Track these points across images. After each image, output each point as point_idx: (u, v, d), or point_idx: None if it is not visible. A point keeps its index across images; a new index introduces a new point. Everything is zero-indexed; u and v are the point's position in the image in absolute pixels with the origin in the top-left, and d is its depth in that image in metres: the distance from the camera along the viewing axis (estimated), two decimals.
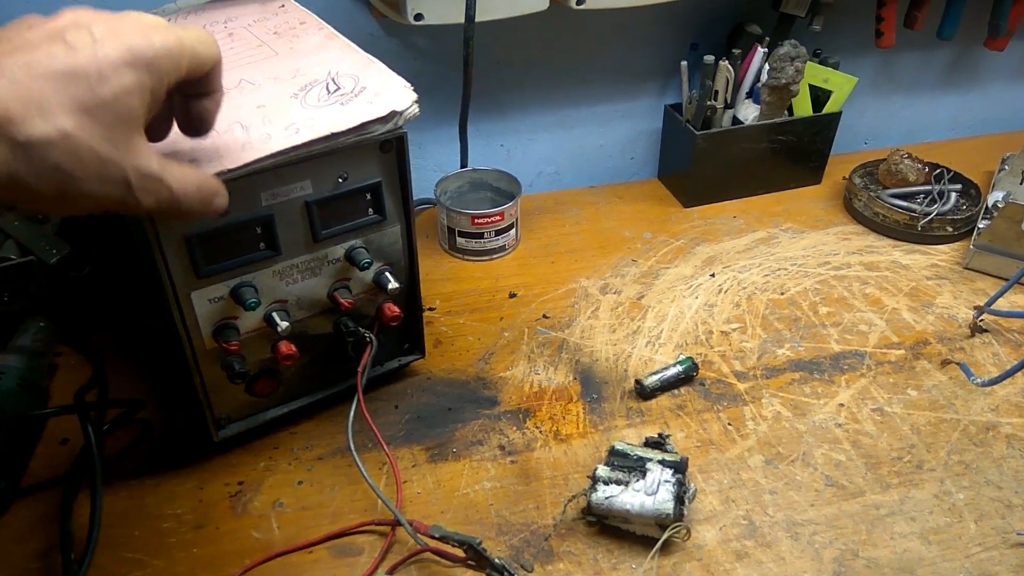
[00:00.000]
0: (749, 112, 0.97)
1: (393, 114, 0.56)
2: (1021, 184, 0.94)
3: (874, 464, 0.65)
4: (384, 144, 0.59)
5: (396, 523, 0.59)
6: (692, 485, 0.61)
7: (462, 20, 0.79)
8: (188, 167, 0.45)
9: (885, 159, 0.97)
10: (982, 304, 0.78)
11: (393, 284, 0.64)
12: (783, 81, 0.91)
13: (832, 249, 0.92)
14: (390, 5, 0.80)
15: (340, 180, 0.59)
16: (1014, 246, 0.84)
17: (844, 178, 1.00)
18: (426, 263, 0.90)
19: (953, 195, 0.94)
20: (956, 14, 1.01)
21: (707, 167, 0.97)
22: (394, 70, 0.91)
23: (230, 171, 0.50)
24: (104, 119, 0.38)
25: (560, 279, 0.87)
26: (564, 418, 0.70)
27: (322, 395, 0.69)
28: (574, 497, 0.61)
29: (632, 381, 0.73)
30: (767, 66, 0.92)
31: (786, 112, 0.97)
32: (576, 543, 0.59)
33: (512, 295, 0.85)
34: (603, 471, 0.60)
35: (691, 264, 0.89)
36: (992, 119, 1.20)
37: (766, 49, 0.94)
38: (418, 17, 0.77)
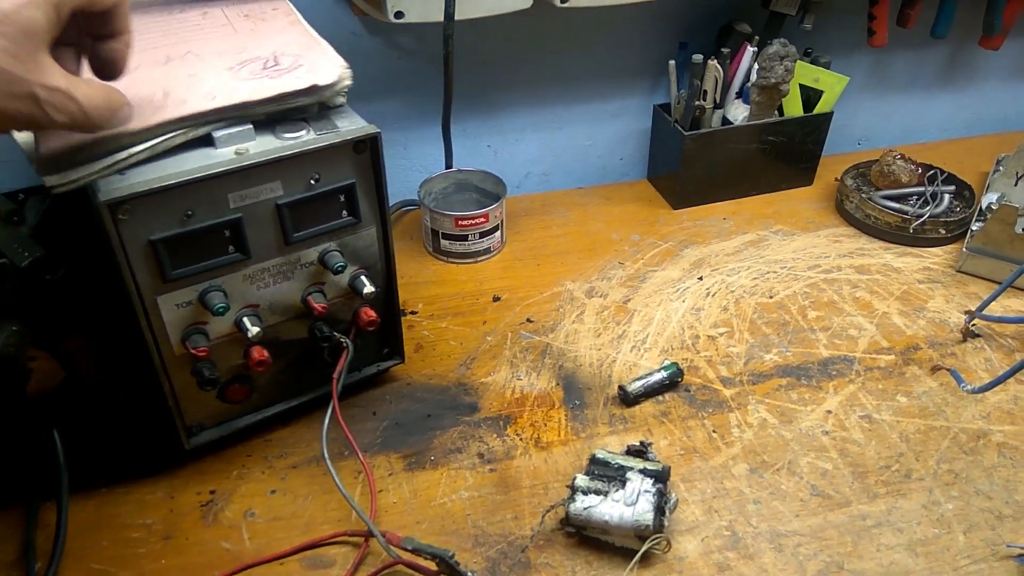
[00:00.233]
0: (739, 112, 0.95)
1: (315, 87, 0.56)
2: (1015, 186, 0.93)
3: (861, 473, 0.64)
4: (358, 144, 0.58)
5: (369, 534, 0.57)
6: (674, 495, 0.59)
7: (443, 18, 0.77)
8: (94, 81, 0.46)
9: (877, 160, 0.95)
10: (973, 309, 0.76)
11: (369, 288, 0.63)
12: (772, 81, 0.89)
13: (823, 252, 0.90)
14: (371, 3, 0.79)
15: (312, 181, 0.57)
16: (1007, 249, 0.82)
17: (836, 179, 0.99)
18: (410, 265, 0.89)
19: (946, 197, 0.92)
20: (950, 12, 0.99)
21: (696, 168, 0.95)
22: (377, 69, 0.90)
23: (135, 132, 0.51)
24: (7, 32, 0.39)
25: (545, 282, 0.86)
26: (545, 425, 0.69)
27: (297, 401, 0.67)
28: (553, 507, 0.59)
29: (616, 387, 0.71)
30: (757, 65, 0.90)
31: (776, 112, 0.95)
32: (554, 555, 0.58)
33: (496, 298, 0.83)
34: (582, 481, 0.58)
35: (679, 267, 0.88)
36: (987, 119, 1.19)
37: (756, 48, 0.93)
38: (399, 15, 0.76)
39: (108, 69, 0.48)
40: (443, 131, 0.90)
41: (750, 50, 0.93)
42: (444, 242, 0.88)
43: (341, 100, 0.59)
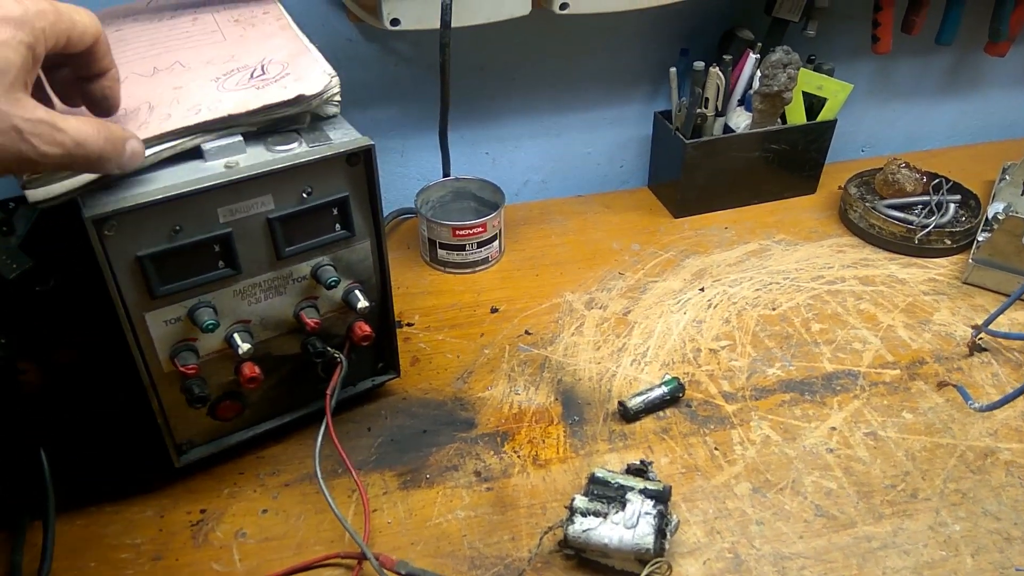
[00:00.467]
0: (741, 120, 0.94)
1: (301, 98, 0.54)
2: (1022, 195, 0.91)
3: (866, 493, 0.62)
4: (351, 157, 0.56)
5: (363, 557, 0.56)
6: (675, 516, 0.58)
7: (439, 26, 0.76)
8: (85, 114, 0.46)
9: (882, 168, 0.94)
10: (980, 323, 0.75)
11: (363, 303, 0.61)
12: (775, 88, 0.88)
13: (826, 262, 0.89)
14: (367, 10, 0.77)
15: (304, 195, 0.56)
16: (1014, 261, 0.81)
17: (839, 188, 0.97)
18: (407, 276, 0.87)
19: (952, 206, 0.91)
20: (955, 19, 0.98)
21: (697, 176, 0.94)
22: (373, 76, 0.89)
23: None
24: None
25: (544, 293, 0.84)
26: (544, 442, 0.67)
27: (290, 418, 0.66)
28: (551, 529, 0.58)
29: (616, 402, 0.70)
30: (759, 73, 0.89)
31: (779, 120, 0.94)
32: None
33: (494, 310, 0.82)
34: (581, 502, 0.57)
35: (680, 277, 0.86)
36: (992, 126, 1.17)
37: (758, 55, 0.91)
38: (395, 22, 0.74)
39: (102, 106, 0.48)
40: (440, 139, 0.89)
41: (752, 57, 0.91)
42: (441, 252, 0.86)
43: (334, 110, 0.58)
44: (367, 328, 0.63)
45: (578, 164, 1.04)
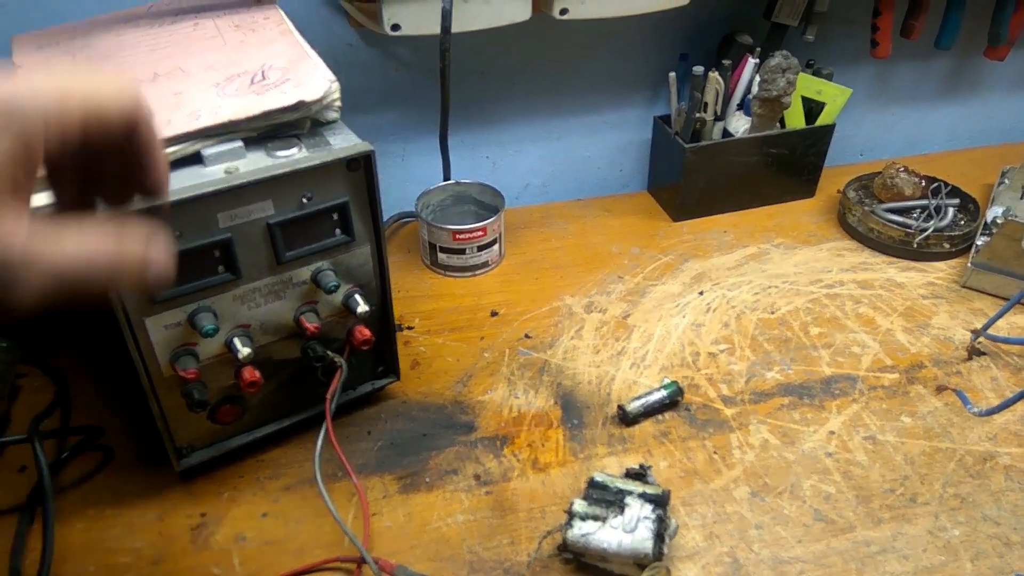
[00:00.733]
0: (740, 124, 0.94)
1: (301, 103, 0.55)
2: (1021, 199, 0.91)
3: (865, 497, 0.62)
4: (351, 162, 0.56)
5: (362, 561, 0.56)
6: (674, 520, 0.58)
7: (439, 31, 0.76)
8: (92, 227, 0.33)
9: (880, 172, 0.94)
10: (979, 327, 0.75)
11: (363, 307, 0.61)
12: (774, 93, 0.88)
13: (825, 266, 0.89)
14: (367, 15, 0.78)
15: (304, 200, 0.56)
16: (1013, 265, 0.81)
17: (838, 192, 0.98)
18: (407, 279, 0.87)
19: (951, 210, 0.91)
20: (954, 23, 0.98)
21: (697, 180, 0.94)
22: (374, 80, 0.89)
23: None
24: None
25: (544, 297, 0.84)
26: (543, 445, 0.67)
27: (290, 421, 0.66)
28: (550, 533, 0.58)
29: (615, 406, 0.70)
30: (758, 77, 0.89)
31: (778, 124, 0.94)
32: None
33: (494, 313, 0.82)
34: (579, 506, 0.57)
35: (679, 281, 0.86)
36: (992, 130, 1.18)
37: (757, 60, 0.91)
38: (395, 27, 0.75)
39: (151, 189, 0.38)
40: (440, 143, 0.89)
41: (752, 62, 0.92)
42: (442, 255, 0.87)
43: (334, 115, 0.58)
44: (367, 332, 0.63)
45: (578, 168, 1.04)
